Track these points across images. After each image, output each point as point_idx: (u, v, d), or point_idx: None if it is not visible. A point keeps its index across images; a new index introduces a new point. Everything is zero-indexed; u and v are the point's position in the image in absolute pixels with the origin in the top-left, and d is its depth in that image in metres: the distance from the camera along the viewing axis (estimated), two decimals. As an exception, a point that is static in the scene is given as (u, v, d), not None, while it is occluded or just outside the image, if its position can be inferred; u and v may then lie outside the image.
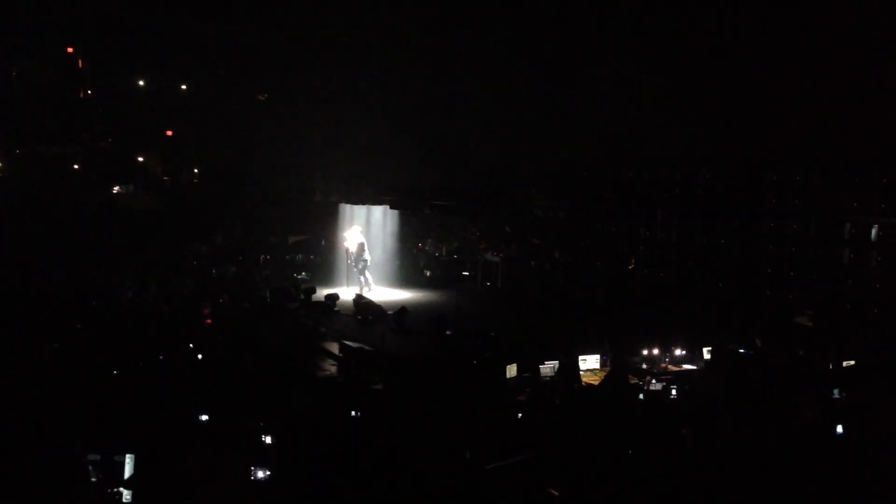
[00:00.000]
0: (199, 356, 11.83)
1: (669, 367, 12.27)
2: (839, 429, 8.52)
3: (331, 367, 13.48)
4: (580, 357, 12.15)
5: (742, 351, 12.46)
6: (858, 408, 9.33)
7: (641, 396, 10.40)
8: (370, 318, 17.10)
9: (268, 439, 7.45)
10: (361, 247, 20.53)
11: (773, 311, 16.19)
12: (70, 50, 24.28)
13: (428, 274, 22.72)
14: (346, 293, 18.79)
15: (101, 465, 6.21)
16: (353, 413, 8.40)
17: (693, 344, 12.65)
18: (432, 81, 24.39)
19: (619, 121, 20.51)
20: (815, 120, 16.73)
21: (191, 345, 12.26)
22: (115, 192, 24.23)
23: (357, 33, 23.96)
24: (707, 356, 12.40)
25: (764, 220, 16.94)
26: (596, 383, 11.29)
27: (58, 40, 24.13)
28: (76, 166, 23.36)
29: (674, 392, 10.17)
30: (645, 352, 12.40)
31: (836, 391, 10.27)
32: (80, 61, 24.45)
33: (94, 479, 6.19)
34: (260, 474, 6.64)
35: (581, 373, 11.90)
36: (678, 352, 12.55)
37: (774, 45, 17.76)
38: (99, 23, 24.13)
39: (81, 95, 24.45)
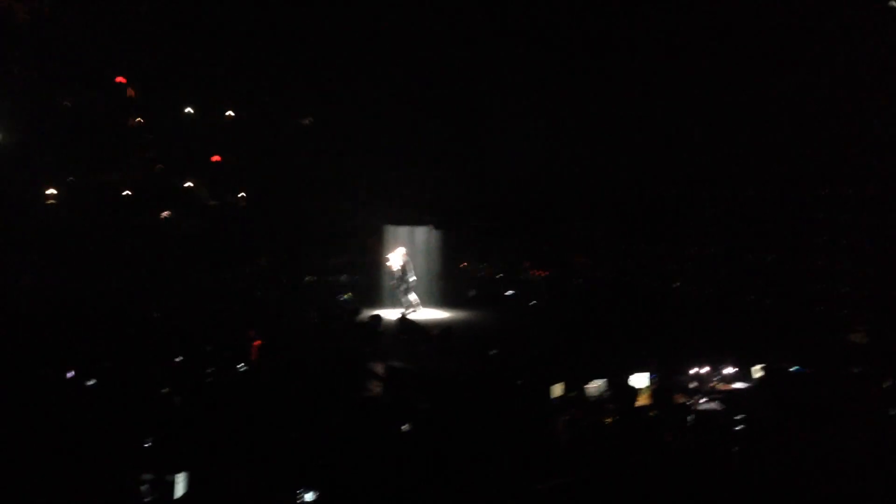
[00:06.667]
0: (247, 376, 11.94)
1: (719, 385, 12.02)
2: (899, 448, 8.24)
3: (376, 388, 13.50)
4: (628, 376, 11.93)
5: (794, 369, 12.17)
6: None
7: (691, 416, 10.17)
8: (414, 338, 17.13)
9: (315, 461, 7.41)
10: (405, 267, 20.62)
11: (826, 327, 15.81)
12: (121, 79, 24.91)
13: (471, 294, 22.69)
14: (390, 314, 18.85)
15: (153, 484, 6.27)
16: (400, 433, 8.37)
17: (743, 362, 12.38)
18: (473, 102, 24.46)
19: (664, 136, 20.31)
20: (866, 132, 16.37)
21: (239, 366, 12.38)
22: (163, 216, 24.68)
23: (398, 55, 24.16)
24: (758, 374, 12.12)
25: (815, 235, 16.59)
26: (645, 403, 11.10)
27: (109, 71, 24.79)
28: (127, 192, 23.87)
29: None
30: (694, 370, 12.17)
31: (893, 410, 9.95)
32: (129, 90, 25.06)
33: (146, 500, 6.24)
34: (307, 497, 6.59)
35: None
36: (728, 370, 12.29)
37: (823, 57, 17.46)
38: (148, 52, 24.75)
39: (131, 124, 25.03)
